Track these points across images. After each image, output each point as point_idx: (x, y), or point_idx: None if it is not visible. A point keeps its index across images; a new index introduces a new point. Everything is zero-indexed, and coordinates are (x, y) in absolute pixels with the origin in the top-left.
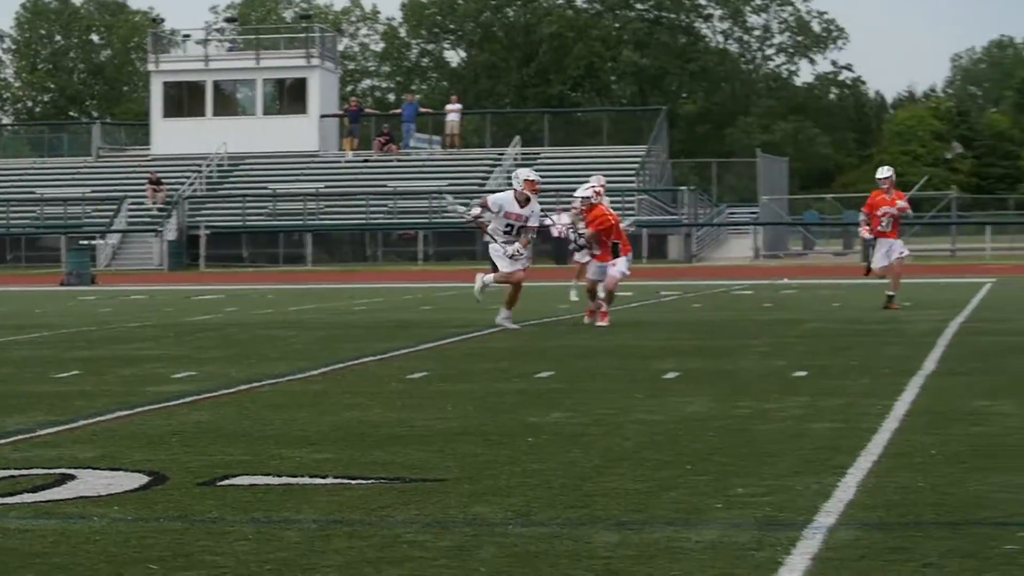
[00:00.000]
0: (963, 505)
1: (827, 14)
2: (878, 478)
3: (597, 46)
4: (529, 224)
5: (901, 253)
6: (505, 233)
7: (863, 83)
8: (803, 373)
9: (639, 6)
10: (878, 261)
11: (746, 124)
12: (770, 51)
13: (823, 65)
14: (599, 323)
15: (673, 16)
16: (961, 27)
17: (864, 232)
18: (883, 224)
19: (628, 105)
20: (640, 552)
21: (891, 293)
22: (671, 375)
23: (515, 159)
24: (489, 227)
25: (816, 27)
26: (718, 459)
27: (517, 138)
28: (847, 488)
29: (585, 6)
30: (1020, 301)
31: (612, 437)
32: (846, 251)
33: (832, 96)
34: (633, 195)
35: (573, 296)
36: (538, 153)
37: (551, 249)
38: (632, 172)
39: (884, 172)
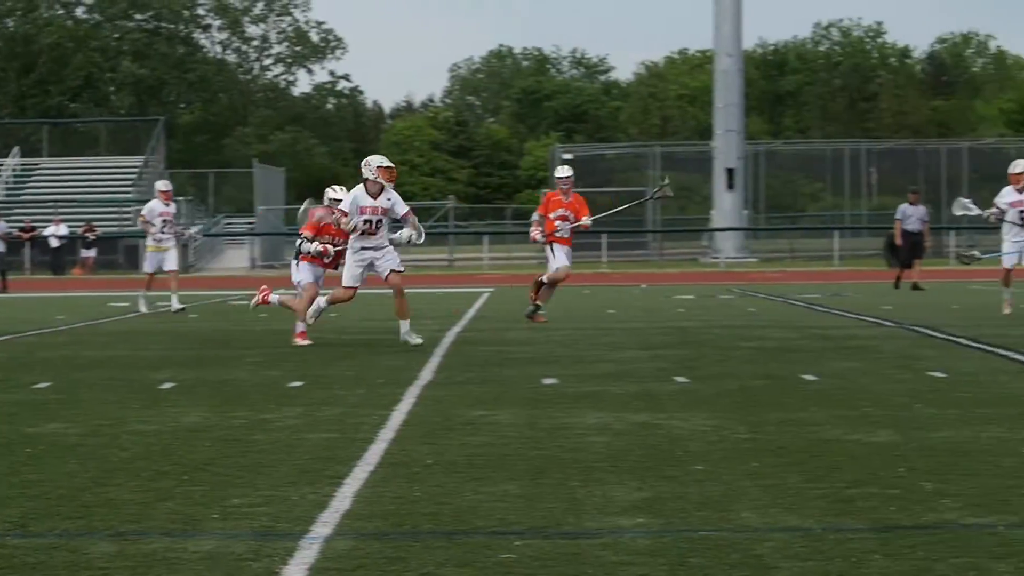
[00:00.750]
0: (459, 514)
1: (325, 24)
2: (374, 488)
3: (96, 56)
4: (395, 210)
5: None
6: (364, 231)
7: (361, 93)
8: (298, 383)
9: (138, 16)
10: (561, 262)
11: (244, 134)
12: (268, 61)
13: (321, 75)
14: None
15: (172, 26)
16: (459, 37)
17: (535, 235)
18: (560, 229)
19: (126, 116)
20: (138, 563)
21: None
22: (167, 385)
23: (14, 170)
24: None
25: (314, 37)
26: (214, 469)
27: (16, 148)
28: (343, 498)
29: (85, 16)
30: (516, 311)
31: (109, 448)
32: None
33: (330, 106)
34: (130, 205)
35: (143, 307)
36: (37, 164)
37: (49, 260)
38: (130, 183)
39: (564, 172)
